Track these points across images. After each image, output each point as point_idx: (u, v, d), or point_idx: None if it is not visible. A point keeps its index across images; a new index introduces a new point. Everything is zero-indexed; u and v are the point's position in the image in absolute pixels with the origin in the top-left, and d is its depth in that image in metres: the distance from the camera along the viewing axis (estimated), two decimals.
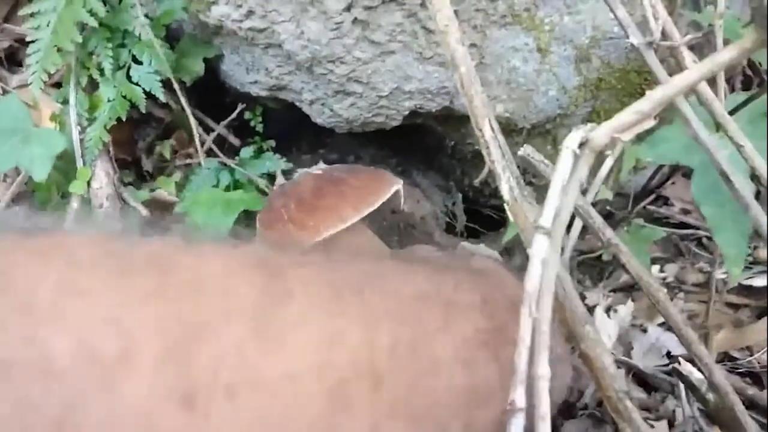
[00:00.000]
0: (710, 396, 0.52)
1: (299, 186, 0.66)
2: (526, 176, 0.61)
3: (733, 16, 0.69)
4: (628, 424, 0.38)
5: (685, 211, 0.98)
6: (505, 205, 0.46)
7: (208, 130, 0.92)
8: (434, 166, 1.10)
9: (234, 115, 0.88)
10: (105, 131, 0.74)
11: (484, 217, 1.14)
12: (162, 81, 0.77)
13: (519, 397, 0.32)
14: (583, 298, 0.88)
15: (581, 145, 0.38)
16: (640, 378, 0.74)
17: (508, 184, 0.46)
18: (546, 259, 0.35)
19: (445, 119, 0.90)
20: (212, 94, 0.95)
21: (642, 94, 0.87)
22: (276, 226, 0.63)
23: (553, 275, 0.37)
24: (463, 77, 0.48)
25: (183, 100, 0.76)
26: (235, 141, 0.92)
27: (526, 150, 0.55)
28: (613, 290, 0.90)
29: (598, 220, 0.55)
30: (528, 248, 0.45)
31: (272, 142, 0.98)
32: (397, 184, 0.65)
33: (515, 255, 1.06)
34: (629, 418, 0.38)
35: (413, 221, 1.02)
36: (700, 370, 0.51)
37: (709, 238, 0.88)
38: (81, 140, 0.73)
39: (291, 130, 1.03)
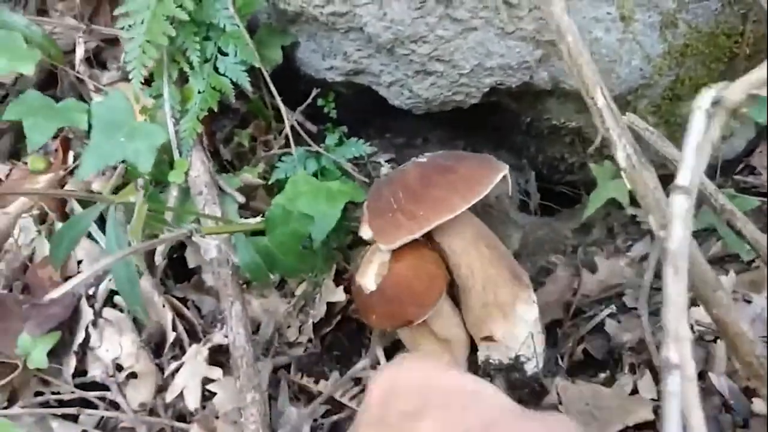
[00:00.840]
0: None
1: (406, 175, 0.67)
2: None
3: None
4: None
5: None
6: (622, 172, 0.46)
7: (282, 118, 0.93)
8: (505, 145, 1.09)
9: (310, 99, 0.90)
10: (198, 122, 0.76)
11: (557, 194, 1.13)
12: (246, 71, 0.79)
13: (673, 353, 0.32)
14: None
15: (714, 104, 0.37)
16: None
17: (624, 152, 0.45)
18: (685, 219, 0.35)
19: (521, 96, 0.89)
20: (285, 82, 0.97)
21: (731, 59, 0.84)
22: (385, 215, 0.65)
23: (689, 236, 0.36)
24: (571, 47, 0.48)
25: (272, 87, 0.78)
26: (312, 128, 0.93)
27: (629, 118, 0.54)
28: None
29: (709, 186, 0.54)
30: (649, 214, 0.44)
31: (344, 128, 0.99)
32: (504, 170, 0.65)
33: (592, 231, 1.04)
34: None
35: (489, 200, 1.02)
36: None
37: None
38: (176, 132, 0.76)
39: (358, 117, 1.03)
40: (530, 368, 0.71)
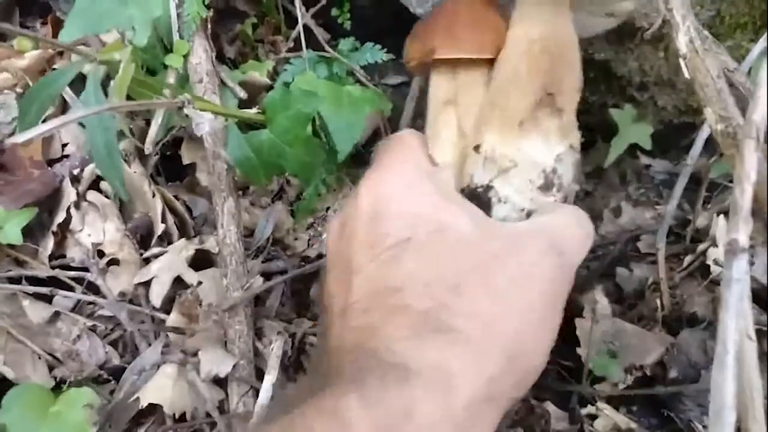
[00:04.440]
0: None
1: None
2: None
3: None
4: None
5: None
6: (681, 60, 0.41)
7: (295, 24, 0.87)
8: None
9: (324, 1, 0.83)
10: (203, 6, 0.70)
11: None
12: None
13: (743, 235, 0.28)
14: (688, 222, 0.84)
15: None
16: (755, 294, 0.70)
17: (687, 36, 0.40)
18: None
19: None
20: None
21: None
22: None
23: None
24: None
25: None
26: (324, 35, 0.87)
27: None
28: (718, 214, 0.85)
29: None
30: (707, 106, 0.40)
31: (357, 43, 0.93)
32: None
33: (603, 176, 1.00)
34: None
35: None
36: None
37: None
38: (178, 15, 0.70)
39: (372, 35, 0.98)
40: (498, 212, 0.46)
